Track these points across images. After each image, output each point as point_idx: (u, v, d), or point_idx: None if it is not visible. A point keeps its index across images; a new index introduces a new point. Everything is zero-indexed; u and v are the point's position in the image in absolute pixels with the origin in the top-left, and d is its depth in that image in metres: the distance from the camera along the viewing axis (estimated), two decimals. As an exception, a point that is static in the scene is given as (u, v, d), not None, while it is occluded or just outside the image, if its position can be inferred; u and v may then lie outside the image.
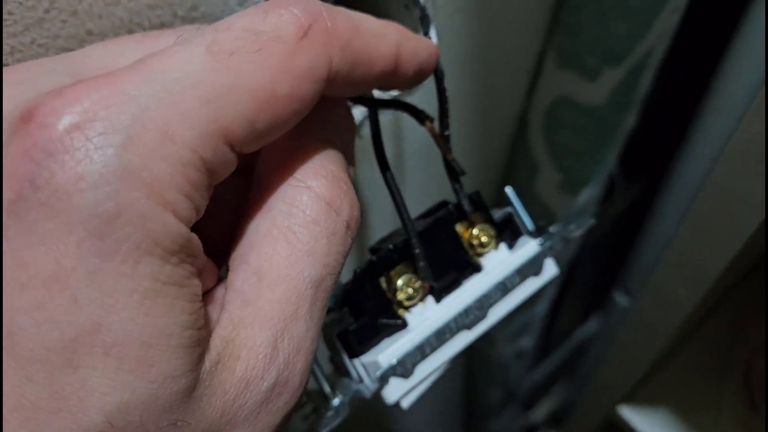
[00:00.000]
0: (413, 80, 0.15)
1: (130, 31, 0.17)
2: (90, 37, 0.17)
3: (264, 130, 0.11)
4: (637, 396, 0.46)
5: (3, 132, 0.09)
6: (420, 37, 0.15)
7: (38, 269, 0.09)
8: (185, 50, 0.10)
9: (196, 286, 0.10)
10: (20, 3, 0.15)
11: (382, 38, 0.13)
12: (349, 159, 0.14)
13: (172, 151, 0.09)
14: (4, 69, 0.11)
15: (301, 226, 0.11)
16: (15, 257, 0.09)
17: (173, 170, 0.09)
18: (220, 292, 0.12)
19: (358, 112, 0.26)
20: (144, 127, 0.09)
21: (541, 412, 0.75)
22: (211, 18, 0.18)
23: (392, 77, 0.13)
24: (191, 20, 0.18)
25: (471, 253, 0.18)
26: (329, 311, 0.16)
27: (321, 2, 0.12)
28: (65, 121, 0.09)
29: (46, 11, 0.16)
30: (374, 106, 0.18)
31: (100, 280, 0.09)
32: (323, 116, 0.13)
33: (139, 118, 0.09)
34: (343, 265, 0.12)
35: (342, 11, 0.12)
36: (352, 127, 0.15)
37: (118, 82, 0.09)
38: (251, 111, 0.10)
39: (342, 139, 0.14)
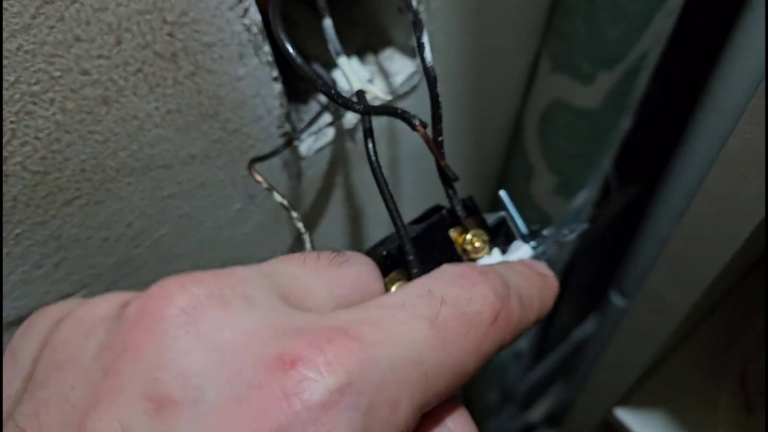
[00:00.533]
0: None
1: (119, 38, 0.17)
2: (78, 43, 0.16)
3: (444, 396, 0.12)
4: (633, 398, 0.46)
5: (242, 360, 0.10)
6: (548, 281, 0.16)
7: None
8: (412, 320, 0.11)
9: None
10: (6, 9, 0.15)
11: (532, 307, 0.14)
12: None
13: (397, 419, 0.10)
14: (222, 275, 0.11)
15: None
16: None
17: None
18: None
19: (352, 115, 0.26)
20: (382, 395, 0.10)
21: (538, 412, 0.75)
22: (201, 23, 0.18)
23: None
24: (181, 25, 0.18)
25: (464, 258, 0.18)
26: None
27: (503, 278, 0.13)
28: (330, 383, 0.09)
29: (33, 17, 0.15)
30: (367, 113, 0.18)
31: None
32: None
33: (381, 387, 0.10)
34: None
35: (510, 284, 0.14)
36: None
37: (365, 343, 0.10)
38: (446, 386, 0.12)
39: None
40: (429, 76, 0.19)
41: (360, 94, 0.20)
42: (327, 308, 0.12)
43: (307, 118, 0.24)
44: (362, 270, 0.13)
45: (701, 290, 0.31)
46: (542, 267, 0.17)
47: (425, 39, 0.19)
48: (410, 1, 0.20)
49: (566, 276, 0.52)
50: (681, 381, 0.47)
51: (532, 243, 0.18)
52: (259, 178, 0.20)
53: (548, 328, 0.60)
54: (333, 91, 0.17)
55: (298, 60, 0.17)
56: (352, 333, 0.10)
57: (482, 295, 0.12)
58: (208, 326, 0.10)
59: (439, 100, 0.18)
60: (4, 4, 0.15)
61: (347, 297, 0.13)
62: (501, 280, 0.13)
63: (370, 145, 0.18)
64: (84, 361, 0.10)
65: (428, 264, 0.17)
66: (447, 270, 0.13)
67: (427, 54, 0.19)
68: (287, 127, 0.23)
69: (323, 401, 0.09)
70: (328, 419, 0.09)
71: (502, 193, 0.19)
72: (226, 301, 0.10)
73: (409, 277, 0.16)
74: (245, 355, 0.10)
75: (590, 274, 0.57)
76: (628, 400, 0.46)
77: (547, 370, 0.68)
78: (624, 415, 0.46)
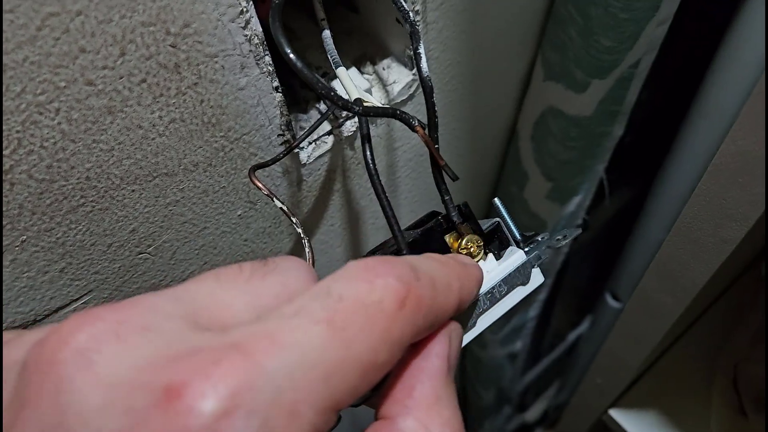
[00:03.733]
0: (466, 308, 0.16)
1: (123, 50, 0.17)
2: (83, 54, 0.17)
3: (362, 392, 0.12)
4: (626, 399, 0.47)
5: (134, 397, 0.10)
6: (469, 269, 0.16)
7: None
8: (309, 324, 0.11)
9: None
10: (12, 21, 0.15)
11: (450, 290, 0.14)
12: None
13: (296, 429, 0.10)
14: (123, 308, 0.11)
15: None
16: None
17: None
18: None
19: (350, 123, 0.26)
20: (277, 408, 0.10)
21: (534, 413, 0.76)
22: (204, 34, 0.19)
23: (451, 316, 0.15)
24: (184, 37, 0.18)
25: None
26: None
27: (409, 265, 0.13)
28: (213, 408, 0.09)
29: (38, 29, 0.16)
30: (366, 114, 0.19)
31: None
32: (451, 357, 0.14)
33: (275, 399, 0.10)
34: None
35: (420, 270, 0.13)
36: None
37: (257, 359, 0.10)
38: (357, 381, 0.11)
39: (455, 370, 0.15)
40: (425, 85, 0.19)
41: (358, 101, 0.21)
42: (246, 323, 0.12)
43: (307, 126, 0.24)
44: (289, 276, 0.13)
45: (693, 294, 0.31)
46: (462, 258, 0.17)
47: (422, 50, 0.19)
48: (407, 14, 0.20)
49: (561, 278, 0.52)
50: (674, 383, 0.47)
51: (526, 248, 0.19)
52: (259, 184, 0.20)
53: (544, 330, 0.61)
54: (333, 93, 0.18)
55: (299, 64, 0.18)
56: (243, 349, 0.10)
57: (385, 283, 0.12)
58: (103, 364, 0.10)
59: (435, 109, 0.19)
60: (10, 17, 0.15)
61: (271, 307, 0.12)
62: (408, 266, 0.13)
63: (368, 151, 0.19)
64: (4, 404, 0.11)
65: None
66: (351, 266, 0.13)
67: (424, 64, 0.19)
68: (287, 135, 0.24)
69: (210, 427, 0.09)
70: None
71: (497, 200, 0.19)
72: (121, 336, 0.11)
73: None
74: (137, 389, 0.10)
75: (584, 277, 0.58)
76: (622, 401, 0.47)
77: (543, 371, 0.69)
78: (618, 415, 0.47)
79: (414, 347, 0.14)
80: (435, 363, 0.14)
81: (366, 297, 0.12)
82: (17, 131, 0.17)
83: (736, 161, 0.24)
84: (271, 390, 0.10)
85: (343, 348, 0.11)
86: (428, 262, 0.14)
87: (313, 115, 0.26)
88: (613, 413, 0.47)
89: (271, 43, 0.20)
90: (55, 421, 0.10)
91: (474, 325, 0.18)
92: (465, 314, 0.18)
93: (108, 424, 0.10)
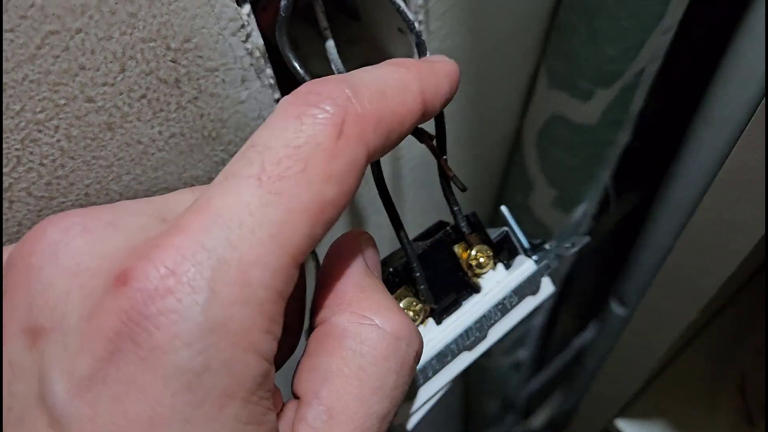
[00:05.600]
0: (442, 108, 0.15)
1: (123, 66, 0.17)
2: (82, 71, 0.17)
3: (321, 234, 0.11)
4: (633, 408, 0.46)
5: (94, 282, 0.10)
6: (436, 65, 0.14)
7: (137, 415, 0.09)
8: (239, 186, 0.11)
9: (272, 421, 0.11)
10: (11, 40, 0.15)
11: (407, 92, 0.13)
12: None
13: (250, 294, 0.10)
14: (97, 208, 0.12)
15: (371, 364, 0.12)
16: (115, 403, 0.09)
17: (253, 313, 0.10)
18: (289, 412, 0.12)
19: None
20: (224, 279, 0.10)
21: (539, 421, 0.75)
22: (204, 49, 0.18)
23: (422, 120, 0.14)
24: (184, 52, 0.18)
25: (470, 274, 0.18)
26: None
27: (344, 83, 0.12)
28: (158, 285, 0.10)
29: (38, 47, 0.16)
30: None
31: (191, 426, 0.10)
32: (367, 255, 0.14)
33: (219, 271, 0.10)
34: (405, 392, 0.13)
35: (363, 80, 0.12)
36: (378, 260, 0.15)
37: (192, 234, 0.10)
38: (309, 226, 0.11)
39: (378, 275, 0.15)
40: None
41: None
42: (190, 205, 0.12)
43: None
44: None
45: (701, 303, 0.31)
46: (431, 57, 0.15)
47: None
48: (412, 24, 0.20)
49: (567, 285, 0.52)
50: (681, 391, 0.47)
51: (535, 257, 0.18)
52: None
53: (549, 337, 0.60)
54: None
55: (308, 78, 0.18)
56: (180, 227, 0.10)
57: (314, 114, 0.11)
58: (69, 254, 0.11)
59: (444, 119, 0.18)
60: (10, 36, 0.15)
61: None
62: (341, 83, 0.12)
63: (376, 164, 0.18)
64: None
65: (434, 280, 0.17)
66: (278, 106, 0.12)
67: None
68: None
69: (153, 304, 0.09)
70: (166, 321, 0.09)
71: (504, 209, 0.19)
72: (89, 229, 0.11)
73: (415, 293, 0.17)
74: (97, 277, 0.10)
75: (590, 284, 0.58)
76: (628, 410, 0.46)
77: (548, 379, 0.68)
78: (624, 425, 0.46)
79: (327, 258, 0.14)
80: (350, 264, 0.13)
81: (296, 138, 0.11)
82: (16, 149, 0.17)
83: (741, 174, 0.23)
84: (213, 262, 0.10)
85: (282, 200, 0.10)
86: (375, 70, 0.13)
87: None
88: (620, 423, 0.47)
89: (272, 55, 0.20)
90: (26, 311, 0.10)
91: (485, 336, 0.18)
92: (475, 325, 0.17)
93: (70, 310, 0.10)
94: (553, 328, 0.59)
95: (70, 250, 0.11)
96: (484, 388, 0.61)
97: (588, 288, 0.58)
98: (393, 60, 0.14)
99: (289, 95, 0.12)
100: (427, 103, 0.13)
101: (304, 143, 0.11)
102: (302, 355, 0.13)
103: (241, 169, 0.11)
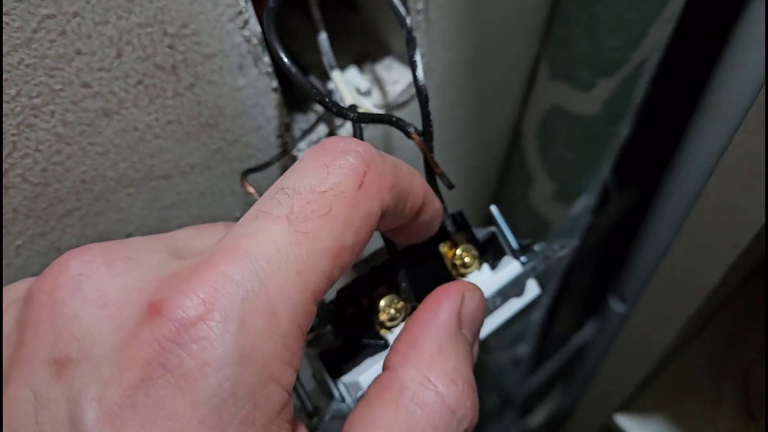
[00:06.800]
0: (427, 227, 0.16)
1: (119, 51, 0.17)
2: (79, 56, 0.16)
3: (337, 277, 0.12)
4: (633, 404, 0.46)
5: (123, 314, 0.11)
6: (433, 194, 0.16)
7: None
8: (270, 226, 0.11)
9: None
10: (7, 23, 0.15)
11: (416, 178, 0.14)
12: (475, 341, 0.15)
13: (275, 327, 0.11)
14: (113, 243, 0.12)
15: (420, 429, 0.12)
16: (143, 429, 0.10)
17: (277, 345, 0.11)
18: None
19: (349, 126, 0.26)
20: (253, 311, 0.11)
21: (538, 418, 0.75)
22: (202, 35, 0.18)
23: (418, 216, 0.15)
24: (181, 37, 0.18)
25: (454, 273, 0.18)
26: (312, 329, 0.16)
27: (366, 143, 0.13)
28: (190, 314, 0.10)
29: (34, 31, 0.15)
30: (361, 121, 0.18)
31: None
32: (463, 313, 0.14)
33: (248, 303, 0.11)
34: None
35: (383, 153, 0.13)
36: (482, 317, 0.16)
37: (222, 268, 0.11)
38: (329, 267, 0.12)
39: (473, 333, 0.15)
40: (421, 94, 0.19)
41: (353, 107, 0.20)
42: (215, 242, 0.12)
43: (306, 127, 0.24)
44: None
45: (702, 297, 0.31)
46: None
47: (417, 57, 0.19)
48: (404, 19, 0.20)
49: (566, 281, 0.52)
50: (682, 387, 0.47)
51: (522, 258, 0.18)
52: (251, 189, 0.20)
53: (548, 334, 0.60)
54: (327, 100, 0.18)
55: (293, 69, 0.18)
56: (210, 261, 0.11)
57: (340, 164, 0.12)
58: (93, 287, 0.11)
59: (431, 118, 0.18)
60: (6, 19, 0.15)
61: None
62: (362, 143, 0.13)
63: None
64: (4, 337, 0.12)
65: (417, 278, 0.17)
66: (306, 153, 0.13)
67: (420, 72, 0.19)
68: (286, 137, 0.23)
69: (188, 333, 0.10)
70: (199, 348, 0.10)
71: (493, 208, 0.19)
72: (110, 263, 0.12)
73: (398, 291, 0.17)
74: (125, 307, 0.11)
75: (589, 279, 0.57)
76: (628, 406, 0.46)
77: (547, 375, 0.68)
78: (624, 421, 0.46)
79: (425, 303, 0.14)
80: (441, 317, 0.14)
81: (322, 184, 0.12)
82: (12, 134, 0.16)
83: (743, 163, 0.23)
84: (243, 294, 0.10)
85: (308, 241, 0.11)
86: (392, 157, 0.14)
87: (312, 116, 0.25)
88: (619, 418, 0.46)
89: (269, 44, 0.20)
90: (52, 342, 0.11)
91: None
92: None
93: (99, 341, 0.11)
94: (552, 325, 0.59)
95: (94, 282, 0.11)
96: (483, 384, 0.61)
97: (587, 284, 0.58)
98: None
99: (317, 145, 0.13)
100: (426, 200, 0.15)
101: (330, 189, 0.12)
102: (362, 397, 0.13)
103: (272, 209, 0.12)
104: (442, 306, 0.14)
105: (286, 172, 0.13)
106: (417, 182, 0.14)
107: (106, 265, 0.11)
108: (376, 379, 0.13)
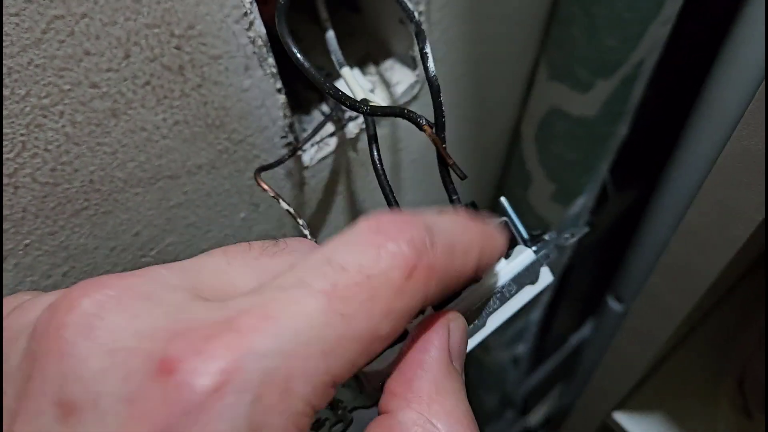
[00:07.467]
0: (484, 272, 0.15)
1: (127, 52, 0.17)
2: (87, 57, 0.17)
3: (361, 365, 0.11)
4: (631, 402, 0.47)
5: (133, 363, 0.10)
6: (494, 235, 0.15)
7: None
8: (307, 299, 0.11)
9: None
10: (17, 24, 0.15)
11: (469, 255, 0.13)
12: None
13: (289, 405, 0.10)
14: (129, 276, 0.12)
15: None
16: None
17: (287, 422, 0.10)
18: None
19: (353, 125, 0.26)
20: (269, 385, 0.10)
21: (537, 416, 0.75)
22: (208, 36, 0.19)
23: (468, 281, 0.14)
24: (188, 39, 0.18)
25: None
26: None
27: (425, 228, 0.12)
28: (206, 383, 0.10)
29: (44, 32, 0.16)
30: (374, 114, 0.18)
31: None
32: (452, 346, 0.14)
33: (266, 377, 0.10)
34: None
35: (440, 229, 0.13)
36: (466, 344, 0.15)
37: (246, 334, 0.10)
38: (356, 354, 0.11)
39: (461, 363, 0.15)
40: (432, 85, 0.19)
41: (365, 101, 0.21)
42: (244, 294, 0.12)
43: (310, 128, 0.24)
44: (300, 257, 0.13)
45: (699, 294, 0.31)
46: (488, 220, 0.16)
47: (428, 49, 0.19)
48: (412, 13, 0.20)
49: (564, 280, 0.52)
50: (679, 385, 0.47)
51: (534, 247, 0.19)
52: (265, 186, 0.20)
53: (546, 333, 0.60)
54: (341, 93, 0.18)
55: (306, 64, 0.18)
56: (235, 325, 0.10)
57: (392, 251, 0.11)
58: (104, 330, 0.10)
59: (443, 108, 0.19)
60: (16, 20, 0.15)
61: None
62: (424, 228, 0.12)
63: (375, 151, 0.19)
64: (11, 366, 0.11)
65: None
66: (359, 226, 0.12)
67: (430, 64, 0.19)
68: (291, 137, 0.23)
69: (201, 402, 0.10)
70: (209, 418, 0.10)
71: (503, 200, 0.19)
72: (124, 303, 0.11)
73: None
74: (136, 358, 0.10)
75: (588, 279, 0.58)
76: (626, 404, 0.46)
77: (546, 374, 0.69)
78: (623, 419, 0.47)
79: (412, 340, 0.14)
80: (433, 354, 0.13)
81: (371, 267, 0.11)
82: (21, 134, 0.17)
83: (740, 160, 0.23)
84: (262, 369, 0.10)
85: (342, 323, 0.11)
86: (450, 222, 0.13)
87: (316, 116, 0.25)
88: (618, 416, 0.47)
89: (274, 44, 0.20)
90: (59, 383, 0.10)
91: (484, 324, 0.18)
92: (474, 312, 0.17)
93: (106, 389, 0.10)
94: (551, 324, 0.60)
95: (106, 325, 0.11)
96: (483, 383, 0.61)
97: (586, 283, 0.58)
98: (460, 215, 0.14)
99: (372, 219, 0.12)
100: (479, 268, 0.14)
101: (377, 275, 0.11)
102: None
103: (314, 280, 0.11)
104: (431, 342, 0.14)
105: (336, 238, 0.12)
106: (469, 261, 0.13)
107: (119, 305, 0.11)
108: (376, 423, 0.13)
